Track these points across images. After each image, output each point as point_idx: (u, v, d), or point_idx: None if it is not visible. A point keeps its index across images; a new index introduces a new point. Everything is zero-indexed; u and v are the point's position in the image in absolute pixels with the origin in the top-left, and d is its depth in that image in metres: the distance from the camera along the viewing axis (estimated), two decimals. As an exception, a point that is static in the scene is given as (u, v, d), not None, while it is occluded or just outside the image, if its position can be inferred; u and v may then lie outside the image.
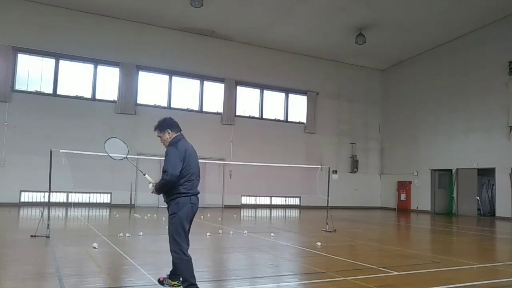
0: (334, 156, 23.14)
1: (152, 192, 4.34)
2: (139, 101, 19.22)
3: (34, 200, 16.81)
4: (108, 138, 5.12)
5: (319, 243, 8.32)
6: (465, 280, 5.46)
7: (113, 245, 7.58)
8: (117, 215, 14.21)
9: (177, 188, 4.14)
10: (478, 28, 19.16)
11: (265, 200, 21.67)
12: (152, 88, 19.74)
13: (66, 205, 16.65)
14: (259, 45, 21.53)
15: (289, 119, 22.67)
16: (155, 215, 14.09)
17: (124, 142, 5.15)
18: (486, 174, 19.42)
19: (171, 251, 4.16)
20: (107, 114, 18.37)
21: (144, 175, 4.51)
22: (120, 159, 5.03)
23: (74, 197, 17.17)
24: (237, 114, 21.22)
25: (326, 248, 8.02)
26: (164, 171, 4.08)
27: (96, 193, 17.97)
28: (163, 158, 4.22)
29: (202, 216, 14.72)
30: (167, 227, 4.34)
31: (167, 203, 4.28)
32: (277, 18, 18.61)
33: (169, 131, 4.37)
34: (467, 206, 19.55)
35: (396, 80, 24.36)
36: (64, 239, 8.47)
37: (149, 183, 4.37)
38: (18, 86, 17.25)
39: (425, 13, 17.76)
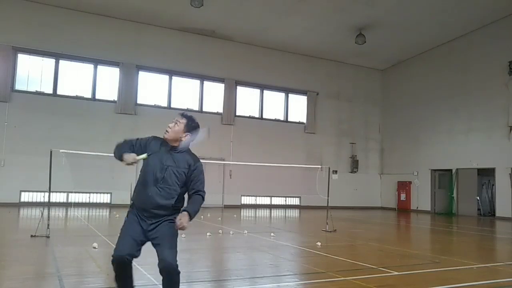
0: (334, 156, 23.13)
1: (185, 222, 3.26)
2: (139, 101, 19.22)
3: (34, 200, 16.81)
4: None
5: (319, 243, 8.32)
6: (465, 280, 5.46)
7: (113, 245, 7.54)
8: (117, 215, 14.18)
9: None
10: (478, 28, 19.16)
11: (265, 200, 21.66)
12: (152, 88, 19.75)
13: (66, 205, 16.66)
14: (259, 45, 21.53)
15: (289, 119, 22.67)
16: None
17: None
18: (486, 174, 19.41)
19: None
20: (107, 114, 18.38)
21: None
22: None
23: (74, 197, 17.17)
24: (237, 114, 21.22)
25: (326, 248, 8.02)
26: (204, 191, 3.49)
27: (96, 193, 17.98)
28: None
29: (202, 216, 14.72)
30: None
31: (159, 219, 3.40)
32: (277, 18, 18.61)
33: (188, 137, 3.50)
34: (467, 206, 19.54)
35: (396, 80, 24.36)
36: (64, 239, 8.47)
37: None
38: (18, 86, 17.26)
39: (425, 13, 17.76)
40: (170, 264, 3.23)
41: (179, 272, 3.30)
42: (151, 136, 3.60)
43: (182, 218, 3.24)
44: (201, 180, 3.47)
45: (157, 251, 3.32)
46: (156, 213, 3.37)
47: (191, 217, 3.29)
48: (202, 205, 3.47)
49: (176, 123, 3.49)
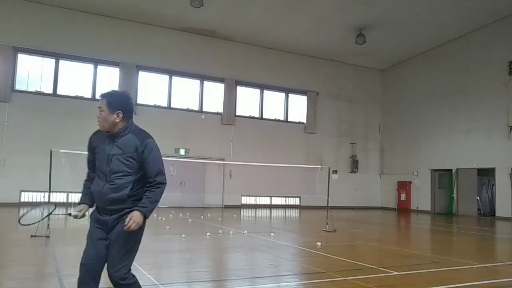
0: (334, 156, 23.14)
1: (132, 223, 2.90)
2: (139, 101, 19.21)
3: (34, 200, 16.81)
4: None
5: (319, 243, 8.32)
6: (465, 280, 5.46)
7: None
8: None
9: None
10: (478, 28, 19.15)
11: (265, 200, 21.66)
12: (152, 88, 19.75)
13: (66, 205, 16.63)
14: (259, 45, 21.53)
15: (289, 119, 22.67)
16: (154, 215, 14.08)
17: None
18: (486, 174, 19.41)
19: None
20: (107, 114, 18.32)
21: (69, 214, 3.22)
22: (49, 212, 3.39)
23: (74, 197, 17.15)
24: (237, 114, 21.22)
25: (326, 248, 8.02)
26: (161, 173, 3.02)
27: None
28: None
29: (202, 216, 14.74)
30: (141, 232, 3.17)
31: (120, 213, 2.99)
32: (277, 18, 18.61)
33: (121, 115, 3.00)
34: (467, 206, 19.54)
35: (396, 80, 24.36)
36: (64, 239, 8.47)
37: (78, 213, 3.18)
38: (18, 86, 17.26)
39: (425, 13, 17.76)
40: (113, 275, 2.90)
41: (130, 283, 2.97)
42: (94, 133, 3.26)
43: (132, 218, 2.86)
44: (154, 159, 3.00)
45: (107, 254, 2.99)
46: (114, 209, 2.99)
47: (145, 216, 2.93)
48: (163, 195, 3.04)
49: (101, 110, 3.01)
